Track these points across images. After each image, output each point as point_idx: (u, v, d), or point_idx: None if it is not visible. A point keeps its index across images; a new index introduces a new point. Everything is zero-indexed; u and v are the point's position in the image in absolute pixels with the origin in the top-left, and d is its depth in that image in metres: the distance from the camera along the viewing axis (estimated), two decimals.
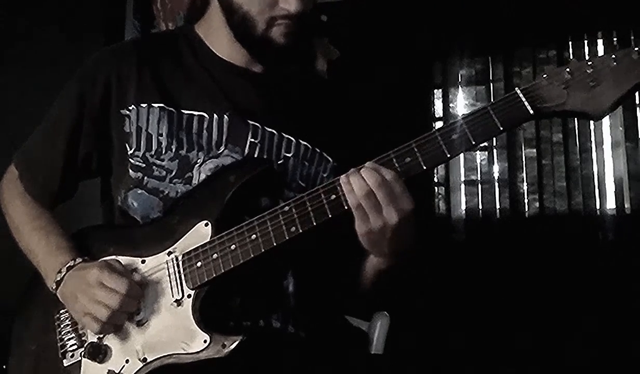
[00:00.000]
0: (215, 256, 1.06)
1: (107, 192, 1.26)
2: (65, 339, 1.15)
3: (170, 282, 1.09)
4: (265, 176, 1.14)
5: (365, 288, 1.21)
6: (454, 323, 3.07)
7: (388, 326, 1.64)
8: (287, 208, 1.05)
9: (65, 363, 1.14)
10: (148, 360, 1.06)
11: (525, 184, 3.32)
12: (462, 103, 3.54)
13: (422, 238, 1.13)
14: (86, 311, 1.07)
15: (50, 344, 1.16)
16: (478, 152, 3.41)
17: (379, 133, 1.30)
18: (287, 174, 1.18)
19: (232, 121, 1.18)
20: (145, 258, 1.12)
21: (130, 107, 1.18)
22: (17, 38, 2.26)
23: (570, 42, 3.33)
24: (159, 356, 1.06)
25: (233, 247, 1.06)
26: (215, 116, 1.18)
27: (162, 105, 1.17)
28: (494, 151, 3.40)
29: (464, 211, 3.42)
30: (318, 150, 1.22)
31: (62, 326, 1.16)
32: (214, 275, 1.06)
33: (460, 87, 3.54)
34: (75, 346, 1.13)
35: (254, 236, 1.05)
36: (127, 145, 1.18)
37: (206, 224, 1.09)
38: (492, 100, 1.44)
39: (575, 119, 2.93)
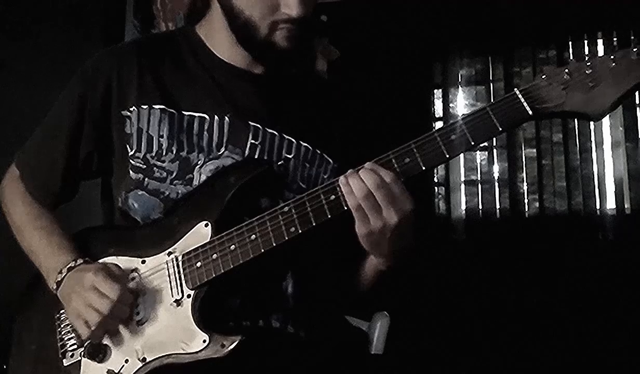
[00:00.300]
0: (214, 256, 1.07)
1: (108, 193, 1.26)
2: (65, 339, 1.15)
3: (170, 282, 1.09)
4: (265, 177, 1.14)
5: (365, 288, 1.21)
6: (454, 323, 3.07)
7: (388, 326, 1.64)
8: (286, 209, 1.05)
9: (65, 362, 1.14)
10: (147, 360, 1.06)
11: (525, 184, 3.32)
12: (462, 103, 3.54)
13: (422, 238, 1.13)
14: (78, 314, 1.07)
15: (50, 344, 1.16)
16: (478, 152, 3.41)
17: (379, 133, 1.31)
18: (288, 175, 1.18)
19: (233, 123, 1.17)
20: (145, 258, 1.12)
21: (131, 109, 1.18)
22: (17, 38, 2.26)
23: (570, 43, 3.33)
24: (158, 356, 1.06)
25: (233, 247, 1.06)
26: (216, 117, 1.17)
27: (163, 106, 1.17)
28: (494, 151, 3.40)
29: (464, 211, 3.42)
30: (319, 151, 1.22)
31: (62, 326, 1.17)
32: (214, 275, 1.06)
33: (460, 87, 3.54)
34: (75, 346, 1.14)
35: (253, 237, 1.05)
36: (127, 146, 1.18)
37: (206, 225, 1.09)
38: (492, 100, 1.44)
39: (575, 119, 2.93)
